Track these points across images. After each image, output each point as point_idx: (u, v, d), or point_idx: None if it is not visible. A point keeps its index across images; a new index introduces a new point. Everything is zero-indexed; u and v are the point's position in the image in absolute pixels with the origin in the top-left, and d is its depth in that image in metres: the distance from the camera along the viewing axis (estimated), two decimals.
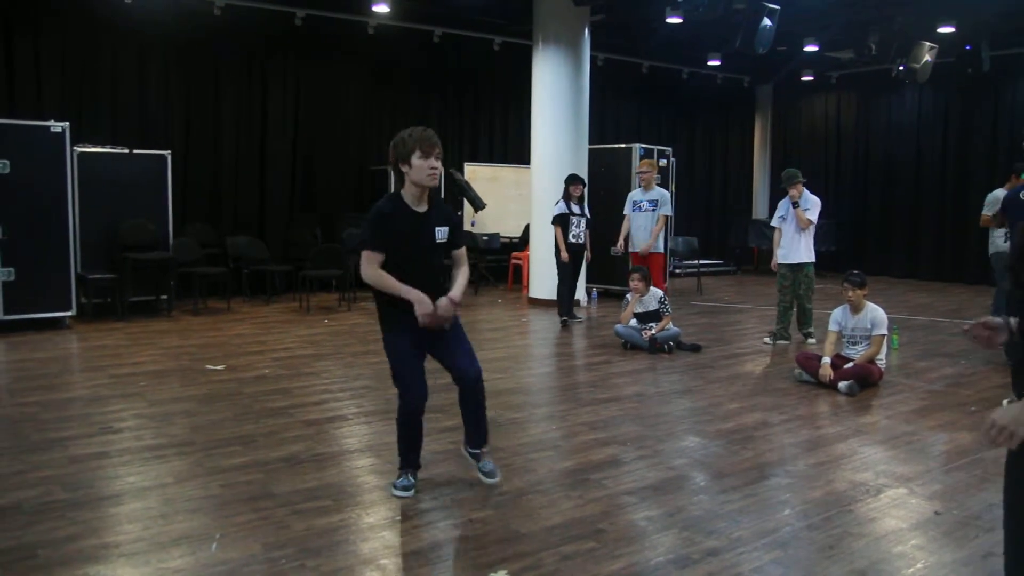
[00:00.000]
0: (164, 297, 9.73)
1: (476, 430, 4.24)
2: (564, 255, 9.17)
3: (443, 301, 3.96)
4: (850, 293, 6.73)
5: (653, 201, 9.41)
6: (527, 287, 11.67)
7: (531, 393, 6.54)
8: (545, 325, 9.59)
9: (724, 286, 14.08)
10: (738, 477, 4.48)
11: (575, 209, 9.27)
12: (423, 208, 3.97)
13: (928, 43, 11.56)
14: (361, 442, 5.03)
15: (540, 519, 3.85)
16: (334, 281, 11.02)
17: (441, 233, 4.03)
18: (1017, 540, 2.12)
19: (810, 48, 13.17)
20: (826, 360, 6.61)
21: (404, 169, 3.91)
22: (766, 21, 9.49)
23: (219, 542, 3.52)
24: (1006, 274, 8.42)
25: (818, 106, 16.88)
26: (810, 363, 6.73)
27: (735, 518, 3.89)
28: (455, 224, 4.15)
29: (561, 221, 9.21)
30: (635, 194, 9.59)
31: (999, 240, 8.53)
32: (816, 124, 16.92)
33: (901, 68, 12.02)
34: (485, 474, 4.21)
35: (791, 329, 8.55)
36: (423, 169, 3.88)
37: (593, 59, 11.68)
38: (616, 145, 12.25)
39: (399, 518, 3.86)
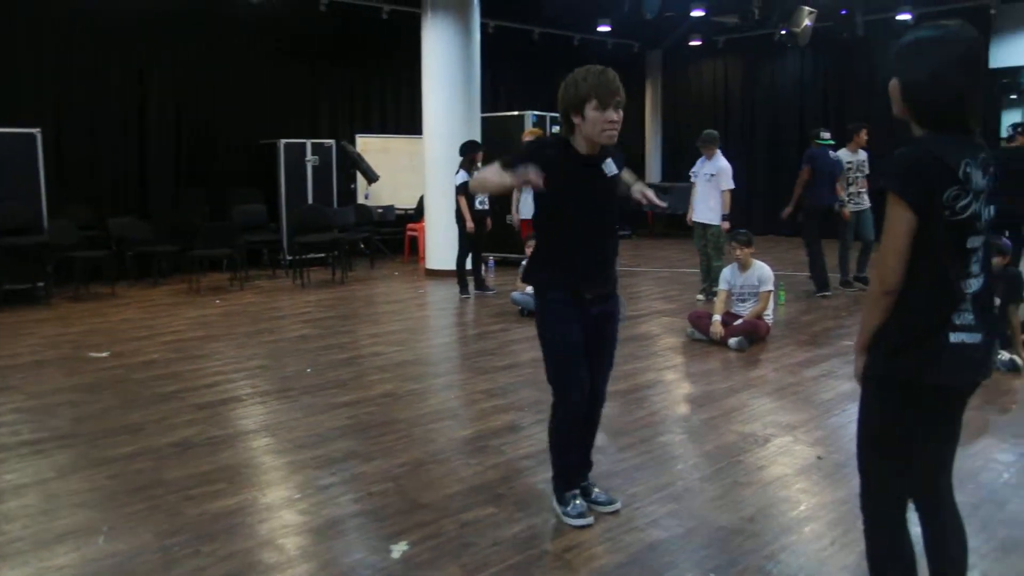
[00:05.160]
0: (41, 284, 9.25)
1: (587, 458, 3.65)
2: (470, 225, 9.07)
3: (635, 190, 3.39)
4: (738, 252, 6.95)
5: None
6: (423, 259, 11.59)
7: (430, 364, 6.52)
8: (443, 296, 9.56)
9: (619, 250, 14.29)
10: (633, 435, 4.58)
11: None
12: (594, 155, 3.29)
13: (807, 7, 11.92)
14: (256, 423, 4.93)
15: (440, 488, 3.86)
16: (225, 260, 10.70)
17: (611, 166, 3.29)
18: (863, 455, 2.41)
19: (696, 13, 13.40)
20: (716, 318, 6.82)
21: (576, 120, 3.18)
22: None
23: (107, 535, 3.40)
24: (851, 231, 9.30)
25: (706, 71, 17.23)
26: (701, 322, 6.93)
27: (631, 475, 3.99)
28: (621, 159, 3.40)
29: (466, 190, 9.08)
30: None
31: (857, 198, 9.39)
32: (705, 88, 17.29)
33: (783, 32, 12.37)
34: (601, 504, 3.56)
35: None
36: (598, 123, 3.13)
37: (484, 26, 11.61)
38: (508, 113, 12.25)
39: (298, 496, 3.80)
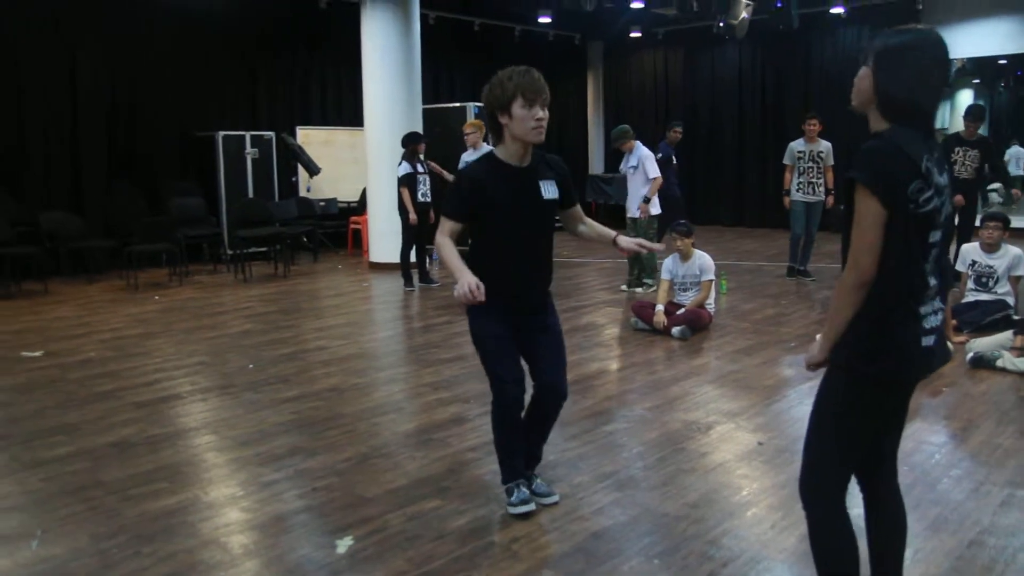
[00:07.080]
0: None
1: (535, 451, 3.66)
2: (413, 217, 9.02)
3: (624, 240, 3.36)
4: (678, 242, 7.04)
5: None
6: (367, 252, 11.50)
7: (374, 358, 6.48)
8: (387, 289, 9.50)
9: (563, 241, 14.36)
10: (578, 425, 4.61)
11: (420, 168, 9.18)
12: (526, 163, 3.31)
13: (744, 0, 12.09)
14: (197, 420, 4.84)
15: (385, 482, 3.84)
16: (164, 255, 10.47)
17: (549, 189, 3.32)
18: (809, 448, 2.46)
19: (636, 5, 13.48)
20: (659, 308, 6.89)
21: (503, 120, 3.20)
22: None
23: (41, 539, 3.31)
24: (798, 220, 9.30)
25: (647, 62, 17.36)
26: (645, 312, 7.00)
27: (575, 464, 4.01)
28: (565, 178, 3.42)
29: (408, 181, 9.04)
30: (466, 155, 9.55)
31: (793, 188, 9.31)
32: (646, 80, 17.42)
33: (721, 24, 12.53)
34: (541, 495, 3.59)
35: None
36: (527, 121, 3.17)
37: (424, 17, 11.51)
38: (450, 104, 12.20)
39: (241, 494, 3.75)
